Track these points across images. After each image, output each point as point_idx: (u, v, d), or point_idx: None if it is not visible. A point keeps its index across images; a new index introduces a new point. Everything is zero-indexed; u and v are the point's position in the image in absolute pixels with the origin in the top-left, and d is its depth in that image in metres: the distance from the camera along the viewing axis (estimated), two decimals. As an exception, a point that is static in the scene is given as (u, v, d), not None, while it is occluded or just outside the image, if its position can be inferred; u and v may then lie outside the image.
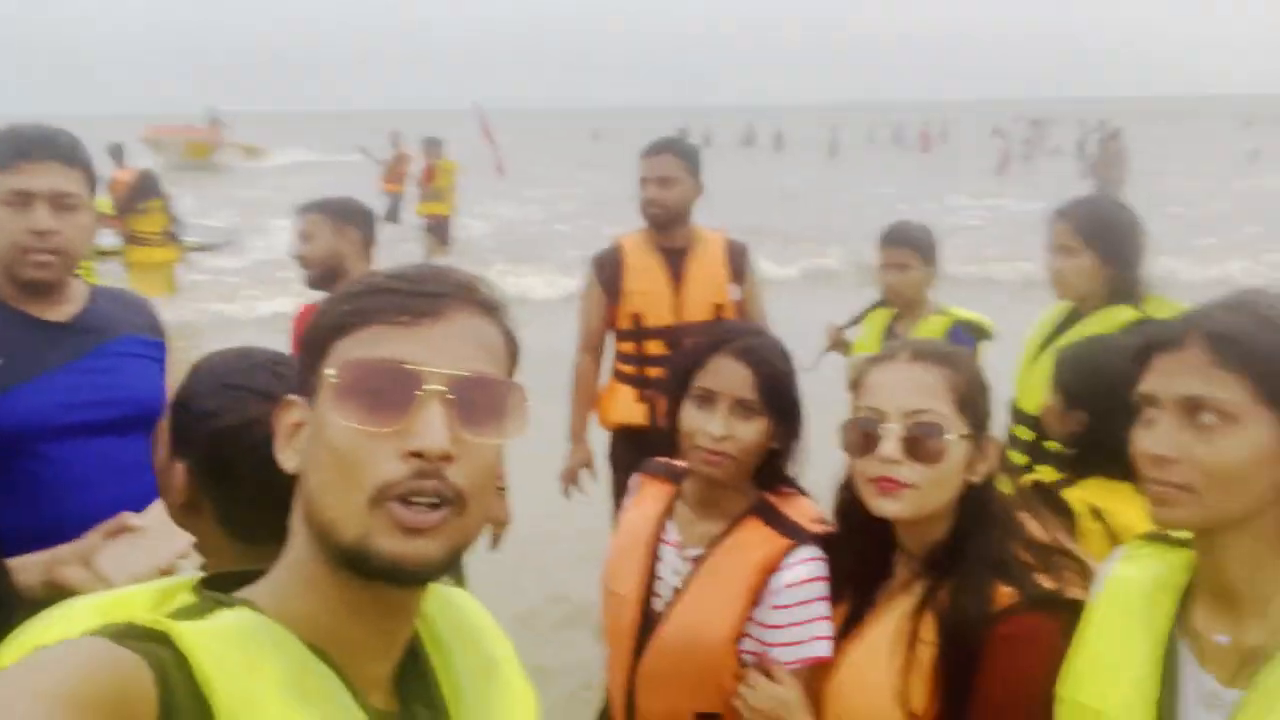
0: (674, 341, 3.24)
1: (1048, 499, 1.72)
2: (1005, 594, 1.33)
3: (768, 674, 1.51)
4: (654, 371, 3.30)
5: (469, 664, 0.91)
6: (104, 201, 9.03)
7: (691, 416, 1.57)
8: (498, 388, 0.83)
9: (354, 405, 0.79)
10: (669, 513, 1.70)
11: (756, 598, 1.54)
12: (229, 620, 0.77)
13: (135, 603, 0.80)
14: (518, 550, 3.45)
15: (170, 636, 0.73)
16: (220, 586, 0.84)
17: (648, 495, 1.77)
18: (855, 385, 3.35)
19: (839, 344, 3.57)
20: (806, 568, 1.53)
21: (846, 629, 1.50)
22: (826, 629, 1.51)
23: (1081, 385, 1.92)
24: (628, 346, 3.38)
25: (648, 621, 1.63)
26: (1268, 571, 1.09)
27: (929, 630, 1.36)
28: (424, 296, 0.82)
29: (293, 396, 0.87)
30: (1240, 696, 1.06)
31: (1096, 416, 1.87)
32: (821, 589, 1.53)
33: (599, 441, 3.54)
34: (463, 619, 0.94)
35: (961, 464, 1.38)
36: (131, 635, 0.72)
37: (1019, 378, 2.65)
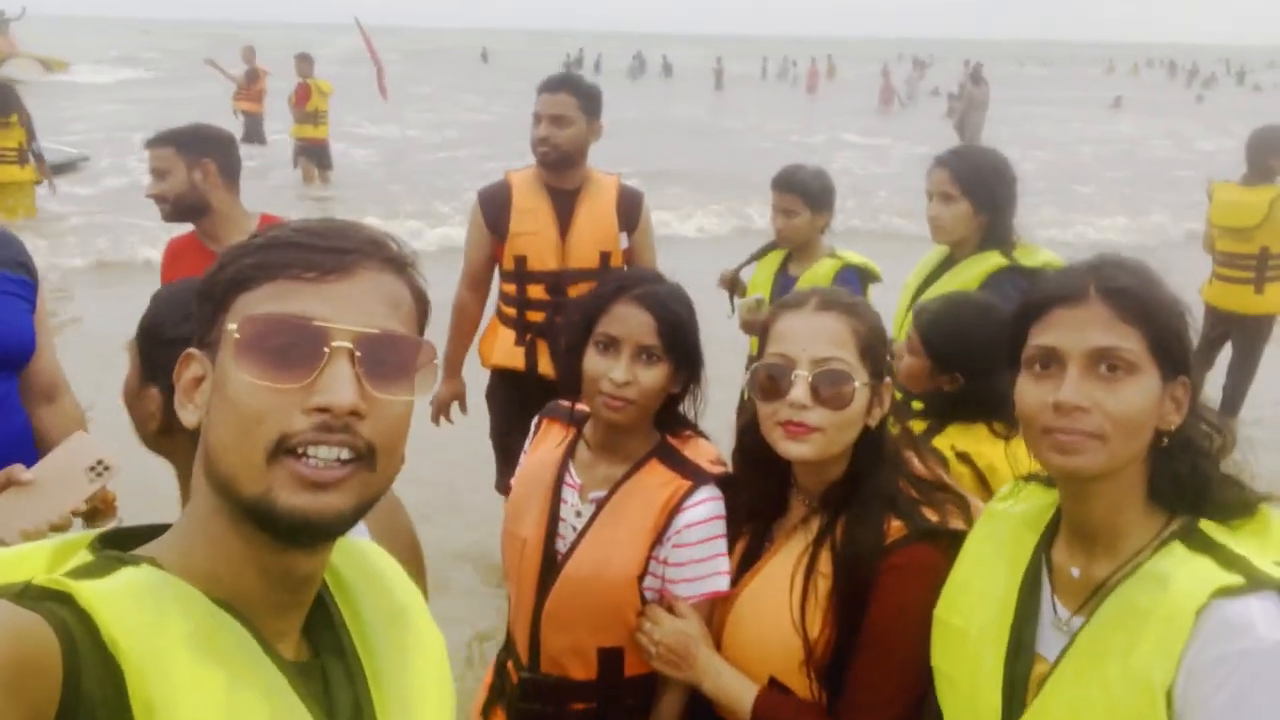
0: (557, 287, 3.20)
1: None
2: (895, 527, 1.41)
3: (669, 609, 1.56)
4: (535, 316, 3.25)
5: (378, 612, 0.91)
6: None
7: (594, 362, 1.58)
8: (406, 345, 0.82)
9: (257, 361, 0.76)
10: (570, 455, 1.71)
11: (658, 537, 1.58)
12: (132, 578, 0.75)
13: (31, 562, 0.77)
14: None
15: (72, 596, 0.71)
16: (119, 544, 0.81)
17: (548, 438, 1.78)
18: (748, 326, 3.44)
19: (733, 285, 3.63)
20: (706, 507, 1.58)
21: (745, 564, 1.56)
22: (725, 565, 1.57)
23: (952, 348, 1.99)
24: (510, 288, 3.30)
25: (550, 563, 1.66)
26: (1125, 514, 1.18)
27: (825, 563, 1.44)
28: (332, 252, 0.80)
29: (191, 350, 0.83)
30: (1083, 623, 1.17)
31: (970, 375, 1.97)
32: (720, 527, 1.58)
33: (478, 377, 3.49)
34: (370, 568, 0.94)
35: (864, 409, 1.45)
36: (31, 595, 0.70)
37: (896, 320, 2.77)
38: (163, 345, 1.16)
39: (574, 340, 1.63)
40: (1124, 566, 1.16)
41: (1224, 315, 5.07)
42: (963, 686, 1.26)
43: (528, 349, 3.29)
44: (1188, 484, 1.17)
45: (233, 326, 0.78)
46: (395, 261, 0.84)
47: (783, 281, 3.36)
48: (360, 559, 0.94)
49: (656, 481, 1.61)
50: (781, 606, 1.45)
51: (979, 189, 2.74)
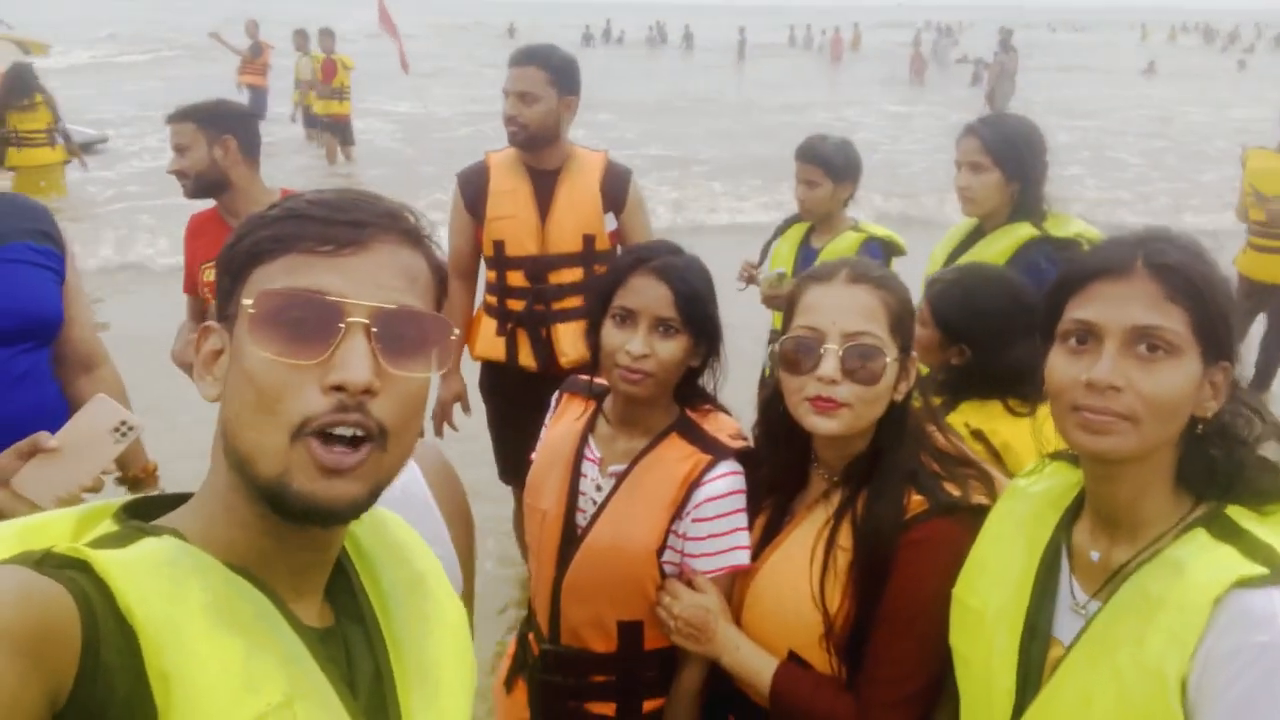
0: (536, 273, 3.01)
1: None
2: (916, 502, 1.39)
3: (689, 583, 1.56)
4: (516, 304, 3.06)
5: (397, 580, 0.91)
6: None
7: (611, 335, 1.58)
8: (422, 321, 0.81)
9: (272, 336, 0.76)
10: (590, 430, 1.71)
11: (677, 511, 1.58)
12: (151, 548, 0.75)
13: (55, 529, 0.77)
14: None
15: (91, 565, 0.71)
16: (144, 512, 0.82)
17: (568, 412, 1.78)
18: (770, 300, 3.37)
19: (753, 279, 3.43)
20: (725, 481, 1.57)
21: (765, 539, 1.55)
22: (745, 539, 1.56)
23: (962, 321, 1.96)
24: (491, 275, 3.11)
25: (571, 536, 1.66)
26: (1150, 498, 1.14)
27: (846, 537, 1.42)
28: (347, 225, 0.79)
29: (211, 323, 0.83)
30: (1099, 607, 1.14)
31: (979, 348, 1.94)
32: (740, 501, 1.57)
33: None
34: (388, 536, 0.94)
35: (892, 384, 1.42)
36: (51, 563, 0.70)
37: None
38: None
39: (593, 314, 1.63)
40: (1143, 552, 1.13)
41: (1258, 286, 4.96)
42: (977, 668, 1.24)
43: (508, 339, 3.11)
44: (1221, 470, 1.12)
45: (248, 301, 0.77)
46: (412, 234, 0.83)
47: (805, 254, 3.32)
48: (380, 528, 0.94)
49: (676, 455, 1.61)
50: (801, 581, 1.44)
51: (1010, 158, 2.68)
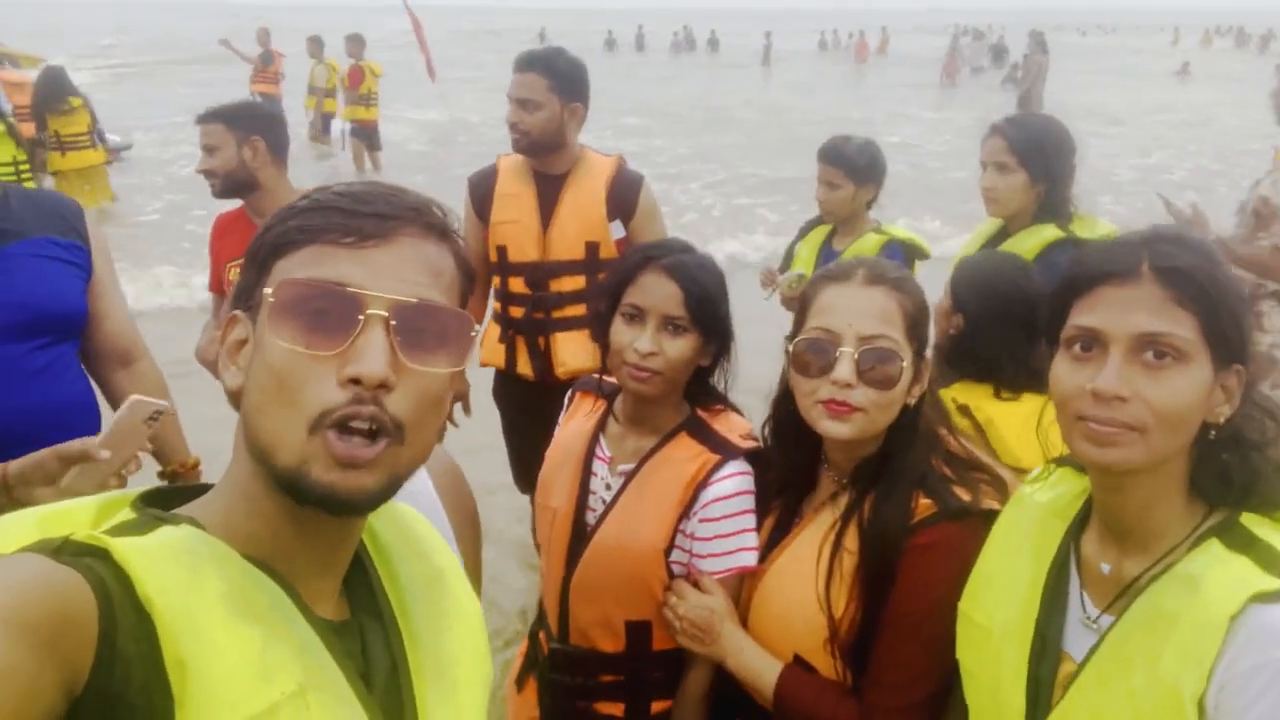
0: (536, 280, 2.96)
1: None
2: (923, 505, 1.37)
3: (695, 584, 1.55)
4: (517, 311, 3.02)
5: (415, 575, 0.91)
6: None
7: (620, 332, 1.57)
8: (444, 316, 0.80)
9: (293, 326, 0.76)
10: (601, 428, 1.71)
11: (685, 510, 1.57)
12: (169, 536, 0.75)
13: (75, 517, 0.77)
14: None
15: (110, 553, 0.71)
16: (163, 502, 0.82)
17: (580, 411, 1.78)
18: (790, 302, 3.32)
19: (774, 283, 3.43)
20: (733, 481, 1.56)
21: (774, 540, 1.54)
22: (752, 540, 1.55)
23: (968, 292, 2.00)
24: (495, 280, 3.08)
25: (580, 534, 1.66)
26: (1161, 511, 1.10)
27: (852, 540, 1.40)
28: (372, 217, 0.79)
29: (238, 312, 0.83)
30: (1111, 622, 1.10)
31: (971, 323, 1.96)
32: (748, 502, 1.56)
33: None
34: (407, 531, 0.95)
35: (906, 388, 1.40)
36: (69, 551, 0.71)
37: None
38: None
39: (603, 311, 1.62)
40: (1156, 564, 1.08)
41: None
42: (986, 683, 1.21)
43: (508, 346, 3.07)
44: (1235, 477, 1.07)
45: (269, 291, 0.77)
46: (439, 228, 0.83)
47: (827, 255, 3.28)
48: (399, 523, 0.94)
49: (684, 455, 1.60)
50: (807, 583, 1.42)
51: (1036, 159, 2.64)
